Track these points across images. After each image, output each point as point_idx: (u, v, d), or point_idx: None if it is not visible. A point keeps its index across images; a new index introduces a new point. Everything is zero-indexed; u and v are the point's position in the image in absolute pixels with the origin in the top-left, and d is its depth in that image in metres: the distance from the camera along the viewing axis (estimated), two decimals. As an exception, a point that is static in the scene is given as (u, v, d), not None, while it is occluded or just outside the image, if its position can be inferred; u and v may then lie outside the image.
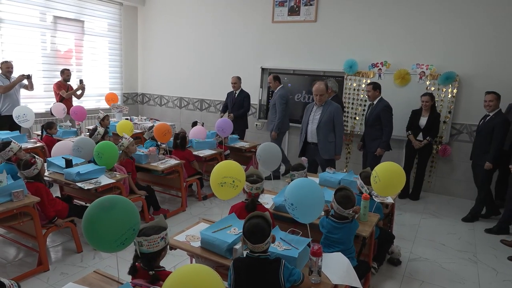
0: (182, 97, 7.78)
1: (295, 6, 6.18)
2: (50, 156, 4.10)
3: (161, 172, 4.11)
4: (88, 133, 4.80)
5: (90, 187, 3.28)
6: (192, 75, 7.52)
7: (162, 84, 8.02)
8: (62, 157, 3.66)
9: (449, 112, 5.15)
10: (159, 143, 4.85)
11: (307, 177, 3.14)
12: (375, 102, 4.77)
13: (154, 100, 8.23)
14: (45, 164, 3.58)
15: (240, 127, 5.98)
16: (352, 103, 5.77)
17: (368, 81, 5.35)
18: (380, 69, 5.47)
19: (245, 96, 6.02)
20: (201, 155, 4.73)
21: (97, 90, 7.49)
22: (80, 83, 6.35)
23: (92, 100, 7.46)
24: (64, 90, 6.07)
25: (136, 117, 6.89)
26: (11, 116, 5.20)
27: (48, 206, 3.08)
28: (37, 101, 6.42)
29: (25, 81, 5.63)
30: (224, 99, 6.31)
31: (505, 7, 4.77)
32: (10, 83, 5.40)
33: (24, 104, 5.68)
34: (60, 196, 3.94)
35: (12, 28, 5.98)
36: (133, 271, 1.84)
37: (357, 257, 2.61)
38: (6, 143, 3.44)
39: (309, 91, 6.03)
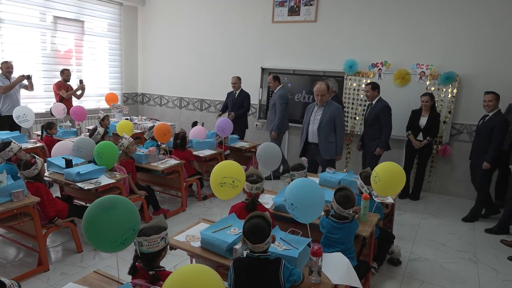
0: (182, 97, 7.78)
1: (295, 6, 6.18)
2: (50, 156, 4.10)
3: (161, 172, 4.11)
4: (88, 133, 4.80)
5: (90, 187, 3.28)
6: (192, 75, 7.52)
7: (162, 84, 8.02)
8: (62, 157, 3.66)
9: (449, 112, 5.15)
10: (159, 143, 4.85)
11: (307, 177, 3.14)
12: (374, 102, 4.77)
13: (154, 100, 8.23)
14: (45, 164, 3.58)
15: (240, 127, 5.98)
16: (352, 103, 5.77)
17: (368, 81, 5.35)
18: (380, 69, 5.47)
19: (245, 96, 6.02)
20: (201, 155, 4.73)
21: (97, 90, 7.49)
22: (80, 83, 6.36)
23: (92, 100, 7.46)
24: (64, 90, 6.07)
25: (136, 117, 6.88)
26: (11, 116, 5.20)
27: (48, 206, 3.08)
28: (37, 101, 6.42)
29: (25, 82, 5.63)
30: (224, 99, 6.31)
31: (505, 7, 4.77)
32: (10, 84, 5.40)
33: (24, 104, 5.68)
34: (60, 196, 3.94)
35: (12, 28, 5.98)
36: (133, 271, 1.84)
37: (357, 257, 2.61)
38: (6, 143, 3.44)
39: (309, 91, 6.03)
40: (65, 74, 6.12)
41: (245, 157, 5.49)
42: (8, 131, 5.09)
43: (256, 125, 6.82)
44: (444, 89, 5.14)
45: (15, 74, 5.55)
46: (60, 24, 6.70)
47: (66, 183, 3.49)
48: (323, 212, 2.50)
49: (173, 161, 4.32)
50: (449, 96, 5.13)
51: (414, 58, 5.29)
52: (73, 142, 4.08)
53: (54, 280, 2.88)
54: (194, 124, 5.62)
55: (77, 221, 3.33)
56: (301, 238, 2.24)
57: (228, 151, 5.36)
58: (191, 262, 2.55)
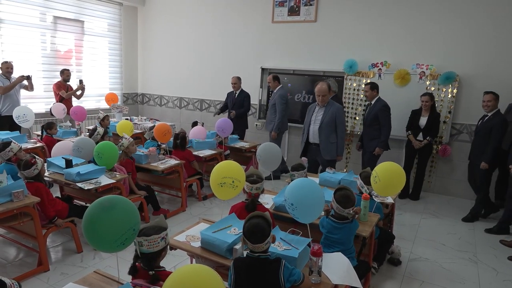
0: (182, 97, 7.78)
1: (295, 6, 6.18)
2: (50, 156, 4.10)
3: (161, 172, 4.11)
4: (88, 133, 4.80)
5: (90, 187, 3.28)
6: (192, 75, 7.52)
7: (162, 84, 8.02)
8: (62, 157, 3.66)
9: (449, 112, 5.15)
10: (159, 143, 4.85)
11: (307, 177, 3.14)
12: (373, 102, 4.78)
13: (154, 100, 8.23)
14: (45, 164, 3.58)
15: (240, 127, 5.97)
16: (352, 103, 5.78)
17: (368, 81, 5.35)
18: (380, 69, 5.47)
19: (245, 96, 6.02)
20: (201, 155, 4.73)
21: (97, 90, 7.48)
22: (80, 83, 6.36)
23: (92, 100, 7.46)
24: (64, 90, 6.07)
25: (136, 117, 6.88)
26: (11, 116, 5.20)
27: (48, 206, 3.08)
28: (37, 101, 6.42)
29: (25, 82, 5.63)
30: (224, 99, 6.31)
31: (505, 7, 4.77)
32: (10, 84, 5.40)
33: (24, 105, 5.68)
34: (60, 196, 3.94)
35: (12, 28, 5.98)
36: (133, 271, 1.84)
37: (357, 257, 2.61)
38: (6, 143, 3.44)
39: (309, 91, 6.04)
40: (65, 74, 6.12)
41: (245, 157, 5.49)
42: (8, 131, 5.09)
43: (256, 125, 6.82)
44: (444, 89, 5.14)
45: (15, 74, 5.55)
46: (60, 24, 6.70)
47: (66, 183, 3.49)
48: (323, 212, 2.51)
49: (173, 161, 4.32)
50: (449, 96, 5.13)
51: (414, 58, 5.30)
52: (73, 142, 4.07)
53: (54, 280, 2.88)
54: (194, 124, 5.62)
55: (77, 221, 3.33)
56: (301, 238, 2.24)
57: (228, 151, 5.35)
58: (191, 262, 2.55)
